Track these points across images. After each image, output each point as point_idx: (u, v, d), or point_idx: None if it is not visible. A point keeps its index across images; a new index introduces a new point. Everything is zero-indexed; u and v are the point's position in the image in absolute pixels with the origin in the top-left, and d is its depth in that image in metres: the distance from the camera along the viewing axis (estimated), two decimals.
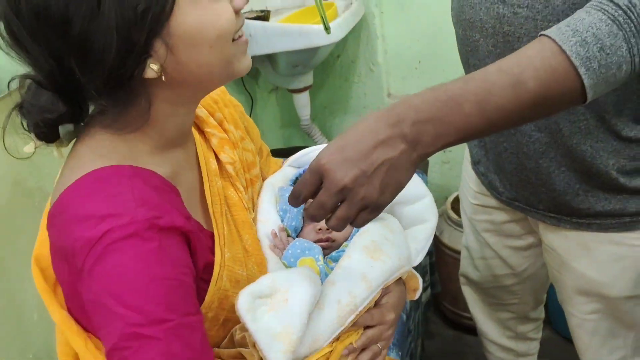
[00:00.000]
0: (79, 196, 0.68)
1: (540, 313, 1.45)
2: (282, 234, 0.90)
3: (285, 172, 1.02)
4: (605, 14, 0.69)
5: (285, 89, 2.10)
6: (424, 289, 1.74)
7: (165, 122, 0.75)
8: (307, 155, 1.03)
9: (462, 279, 1.44)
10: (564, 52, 0.68)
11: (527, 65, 0.68)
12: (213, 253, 0.78)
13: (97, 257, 0.64)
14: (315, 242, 0.91)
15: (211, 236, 0.79)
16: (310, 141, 2.21)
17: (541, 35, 0.71)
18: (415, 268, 0.96)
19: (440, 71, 2.15)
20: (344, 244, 0.93)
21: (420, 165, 0.84)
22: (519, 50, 0.71)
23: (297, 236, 0.92)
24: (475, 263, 1.36)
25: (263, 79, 2.32)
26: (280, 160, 1.08)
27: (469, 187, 1.31)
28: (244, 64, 0.74)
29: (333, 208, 0.70)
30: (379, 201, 0.69)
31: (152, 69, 0.68)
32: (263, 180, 0.99)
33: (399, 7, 2.09)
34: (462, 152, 1.36)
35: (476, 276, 1.38)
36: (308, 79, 2.04)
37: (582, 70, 0.67)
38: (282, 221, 0.92)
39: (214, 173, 0.85)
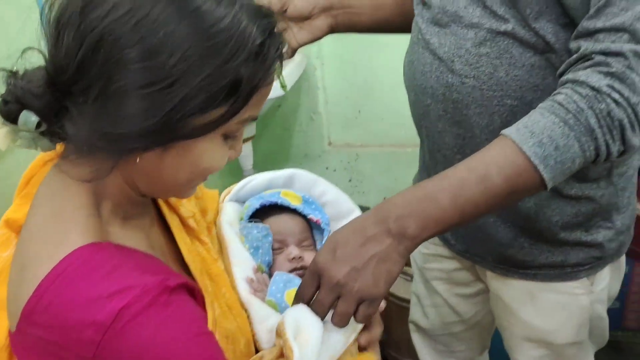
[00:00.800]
0: (69, 283, 0.61)
1: (485, 358, 1.51)
2: (258, 275, 0.91)
3: (234, 207, 1.01)
4: (557, 117, 0.80)
5: None
6: None
7: (117, 193, 0.72)
8: (246, 186, 1.05)
9: (411, 326, 1.48)
10: (524, 152, 0.78)
11: (492, 163, 0.79)
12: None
13: (116, 340, 0.59)
14: (290, 271, 0.94)
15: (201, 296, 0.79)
16: None
17: (502, 134, 0.81)
18: None
19: (380, 120, 2.23)
20: None
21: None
22: (483, 149, 0.81)
23: (269, 269, 0.95)
24: (425, 310, 1.40)
25: None
26: (215, 192, 1.04)
27: None
28: (189, 194, 0.77)
29: (331, 304, 0.77)
30: (374, 292, 0.76)
31: None
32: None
33: (339, 59, 2.17)
34: None
35: (425, 324, 1.42)
36: (251, 130, 2.06)
37: (540, 168, 0.78)
38: (254, 258, 0.93)
39: (180, 230, 0.84)
